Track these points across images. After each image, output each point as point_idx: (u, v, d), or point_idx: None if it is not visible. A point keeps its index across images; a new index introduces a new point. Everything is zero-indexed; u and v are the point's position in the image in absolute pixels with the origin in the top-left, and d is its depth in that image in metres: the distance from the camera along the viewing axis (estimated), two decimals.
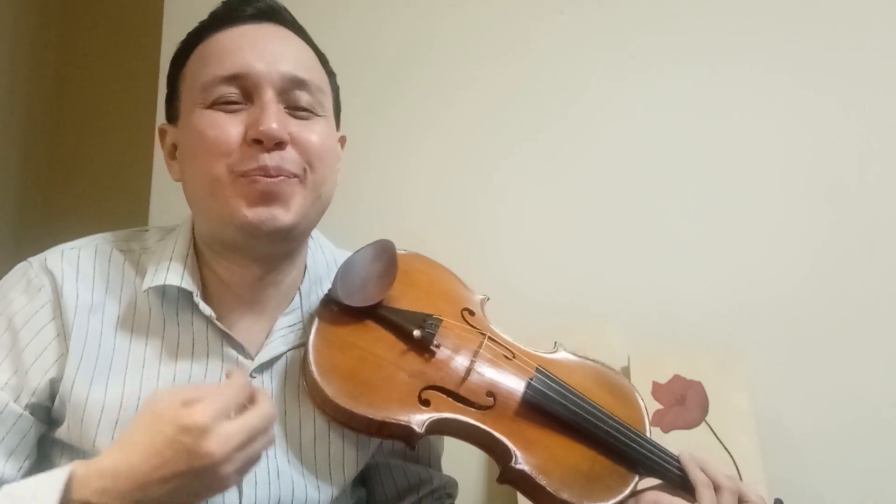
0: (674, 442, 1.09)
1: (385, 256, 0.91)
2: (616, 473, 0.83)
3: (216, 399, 0.68)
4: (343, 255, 0.93)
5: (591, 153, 1.27)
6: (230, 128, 0.79)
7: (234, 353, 0.84)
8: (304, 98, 0.83)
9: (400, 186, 1.34)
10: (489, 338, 0.89)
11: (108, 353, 0.81)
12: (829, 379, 1.15)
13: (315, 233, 0.95)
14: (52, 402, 0.80)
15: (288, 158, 0.80)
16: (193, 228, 0.88)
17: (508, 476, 0.81)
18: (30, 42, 1.99)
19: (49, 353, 0.79)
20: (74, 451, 0.80)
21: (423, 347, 0.85)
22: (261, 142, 0.78)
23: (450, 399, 0.82)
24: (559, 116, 1.28)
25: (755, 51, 1.21)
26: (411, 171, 1.34)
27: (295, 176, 0.81)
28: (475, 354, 0.86)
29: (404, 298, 0.89)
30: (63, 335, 0.80)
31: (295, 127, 0.81)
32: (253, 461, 0.72)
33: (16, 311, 0.80)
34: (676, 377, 1.15)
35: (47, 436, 0.82)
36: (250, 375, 0.84)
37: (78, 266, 0.84)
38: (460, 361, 0.85)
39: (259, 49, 0.82)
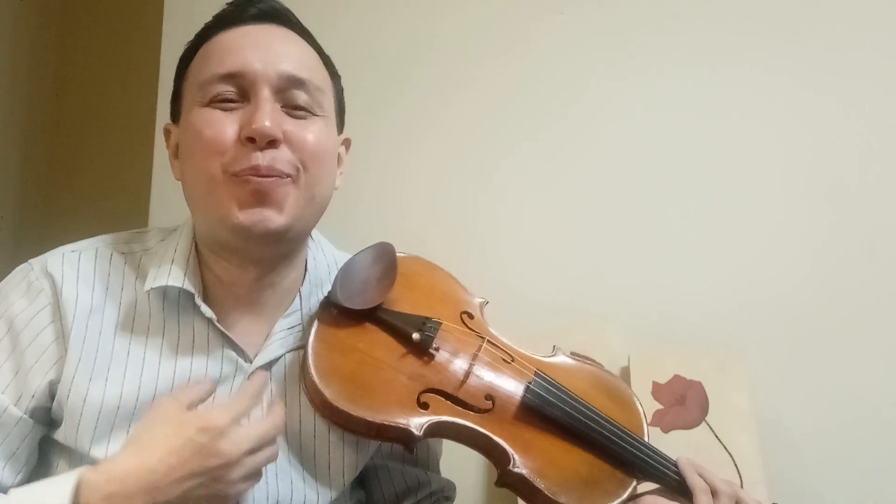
0: (674, 442, 1.09)
1: (385, 259, 0.91)
2: (614, 478, 0.83)
3: (233, 404, 0.73)
4: (343, 257, 0.93)
5: (591, 153, 1.27)
6: (226, 126, 0.79)
7: (234, 354, 0.84)
8: (301, 97, 0.83)
9: (400, 186, 1.34)
10: (488, 341, 0.89)
11: (106, 354, 0.81)
12: (829, 379, 1.15)
13: (316, 234, 0.95)
14: (52, 403, 0.80)
15: (281, 157, 0.80)
16: (195, 229, 0.88)
17: (507, 479, 0.81)
18: (30, 42, 2.00)
19: (48, 356, 0.80)
20: (71, 453, 0.80)
21: (423, 350, 0.85)
22: (254, 140, 0.78)
23: (448, 402, 0.82)
24: (559, 116, 1.28)
25: (755, 51, 1.21)
26: (411, 171, 1.34)
27: (288, 176, 0.81)
28: (474, 358, 0.86)
29: (404, 301, 0.89)
30: (62, 337, 0.80)
31: (290, 125, 0.81)
32: (257, 472, 0.73)
33: (16, 314, 0.80)
34: (676, 377, 1.15)
35: (46, 438, 0.82)
36: (248, 378, 0.84)
37: (78, 269, 0.84)
38: (459, 365, 0.85)
39: (259, 48, 0.82)
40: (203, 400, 0.76)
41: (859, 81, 1.17)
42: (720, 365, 1.14)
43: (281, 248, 0.86)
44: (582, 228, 1.27)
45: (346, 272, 0.88)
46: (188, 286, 0.83)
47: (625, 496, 0.82)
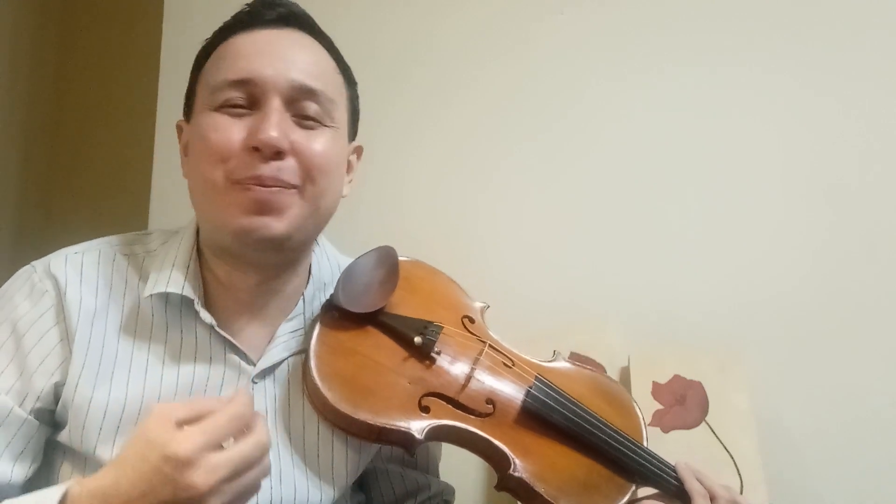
0: (674, 442, 1.09)
1: (387, 263, 0.91)
2: (613, 482, 0.84)
3: (207, 427, 0.65)
4: (346, 261, 0.93)
5: (591, 153, 1.27)
6: (233, 133, 0.79)
7: (236, 358, 0.84)
8: (312, 108, 0.82)
9: (400, 186, 1.34)
10: (489, 345, 0.89)
11: (110, 357, 0.81)
12: (829, 379, 1.15)
13: (321, 238, 0.95)
14: (56, 405, 0.80)
15: (286, 168, 0.79)
16: (198, 230, 0.88)
17: (507, 483, 0.81)
18: (30, 42, 1.99)
19: (53, 358, 0.79)
20: (75, 456, 0.80)
21: (424, 354, 0.85)
22: (259, 149, 0.78)
23: (449, 406, 0.83)
24: (559, 116, 1.28)
25: (755, 51, 1.21)
26: (411, 171, 1.34)
27: (293, 187, 0.80)
28: (475, 362, 0.87)
29: (405, 305, 0.89)
30: (66, 339, 0.80)
31: (298, 136, 0.80)
32: (247, 492, 0.68)
33: (20, 316, 0.80)
34: (676, 377, 1.15)
35: (49, 439, 0.82)
36: (252, 381, 0.84)
37: (81, 271, 0.83)
38: (460, 369, 0.86)
39: (273, 55, 0.81)
40: (201, 419, 0.68)
41: (859, 81, 1.17)
42: (720, 365, 1.14)
43: (282, 256, 0.85)
44: (582, 228, 1.27)
45: (348, 276, 0.88)
46: (188, 292, 0.83)
47: (624, 501, 0.83)
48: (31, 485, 0.79)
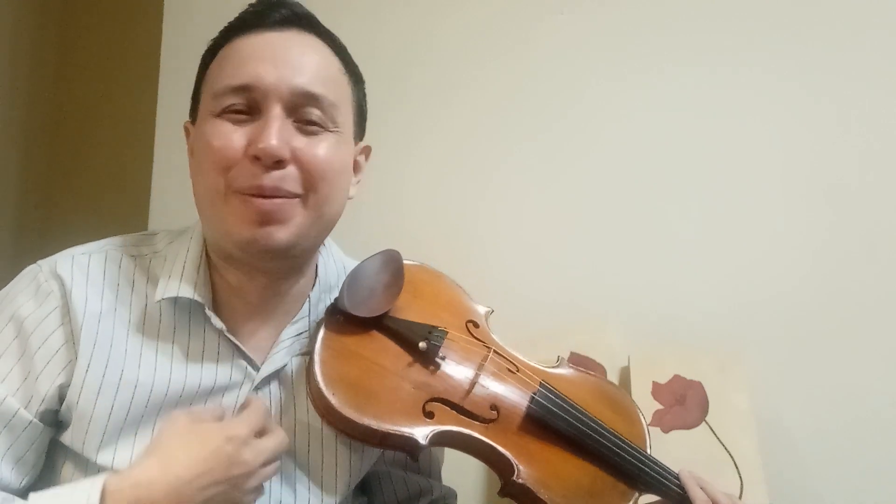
0: (674, 442, 1.09)
1: (391, 267, 0.90)
2: (616, 489, 0.84)
3: (251, 416, 0.76)
4: (352, 264, 0.92)
5: (591, 153, 1.27)
6: (234, 140, 0.78)
7: (243, 363, 0.84)
8: (314, 113, 0.80)
9: (400, 186, 1.34)
10: (494, 351, 0.89)
11: (117, 359, 0.80)
12: (829, 379, 1.15)
13: (327, 240, 0.94)
14: (60, 406, 0.80)
15: (288, 177, 0.78)
16: (204, 233, 0.88)
17: (510, 489, 0.81)
18: (30, 42, 2.00)
19: (58, 360, 0.79)
20: (77, 456, 0.79)
21: (428, 359, 0.84)
22: (260, 158, 0.77)
23: (453, 412, 0.82)
24: (559, 116, 1.28)
25: (755, 51, 1.21)
26: (411, 171, 1.34)
27: (296, 196, 0.79)
28: (480, 367, 0.86)
29: (410, 309, 0.88)
30: (72, 341, 0.79)
31: (300, 143, 0.79)
32: (263, 481, 0.77)
33: (25, 317, 0.79)
34: (676, 377, 1.15)
35: (52, 440, 0.81)
36: (255, 386, 0.84)
37: (88, 272, 0.83)
38: (465, 374, 0.85)
39: (274, 60, 0.80)
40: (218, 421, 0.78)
41: (859, 82, 1.17)
42: (720, 365, 1.14)
43: (289, 262, 0.85)
44: (582, 228, 1.27)
45: (352, 279, 0.87)
46: (198, 297, 0.82)
47: None
48: (31, 487, 0.79)
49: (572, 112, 1.28)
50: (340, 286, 0.87)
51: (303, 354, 0.87)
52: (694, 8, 1.24)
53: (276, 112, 0.78)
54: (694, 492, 0.83)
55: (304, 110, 0.80)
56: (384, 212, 1.33)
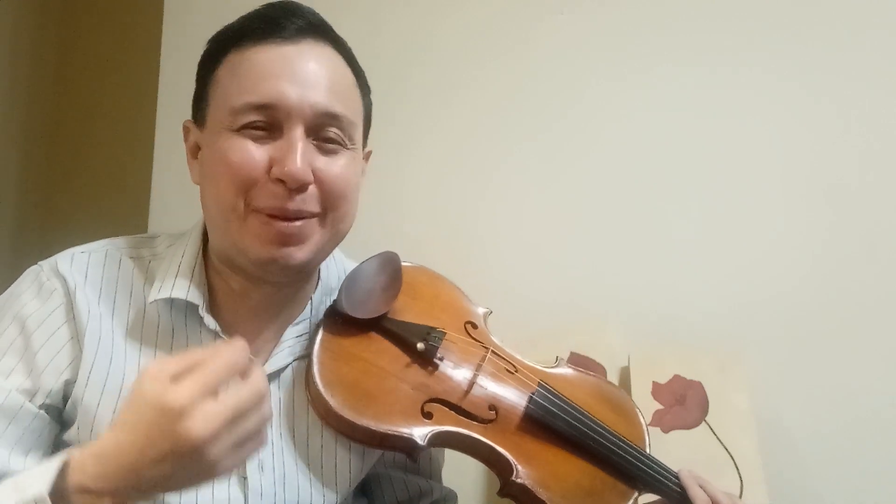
0: (674, 442, 1.09)
1: (390, 268, 0.90)
2: (616, 489, 0.84)
3: (199, 377, 0.62)
4: (351, 266, 0.92)
5: (591, 153, 1.27)
6: (255, 159, 0.77)
7: None
8: (333, 132, 0.81)
9: (400, 187, 1.34)
10: (492, 351, 0.89)
11: (119, 360, 0.80)
12: (829, 379, 1.15)
13: None
14: (65, 404, 0.80)
15: (309, 199, 0.79)
16: (205, 234, 0.87)
17: (509, 490, 0.81)
18: (30, 42, 2.00)
19: (63, 356, 0.79)
20: None
21: (427, 360, 0.84)
22: (285, 181, 0.77)
23: (452, 412, 0.82)
24: (559, 116, 1.28)
25: (755, 51, 1.21)
26: (411, 171, 1.34)
27: (314, 216, 0.80)
28: (478, 368, 0.86)
29: (408, 311, 0.89)
30: (77, 338, 0.80)
31: (321, 163, 0.80)
32: (250, 441, 0.65)
33: (29, 314, 0.80)
34: (676, 377, 1.15)
35: (56, 438, 0.82)
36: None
37: (87, 272, 0.83)
38: (463, 375, 0.85)
39: (294, 76, 0.79)
40: (194, 370, 0.64)
41: (859, 82, 1.17)
42: (720, 365, 1.14)
43: (298, 276, 0.86)
44: (582, 228, 1.27)
45: (351, 281, 0.88)
46: (192, 297, 0.82)
47: None
48: None
49: (572, 112, 1.28)
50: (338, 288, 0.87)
51: (303, 357, 0.87)
52: (693, 8, 1.24)
53: (299, 133, 0.78)
54: (694, 491, 0.83)
55: (324, 130, 0.80)
56: (384, 212, 1.33)
